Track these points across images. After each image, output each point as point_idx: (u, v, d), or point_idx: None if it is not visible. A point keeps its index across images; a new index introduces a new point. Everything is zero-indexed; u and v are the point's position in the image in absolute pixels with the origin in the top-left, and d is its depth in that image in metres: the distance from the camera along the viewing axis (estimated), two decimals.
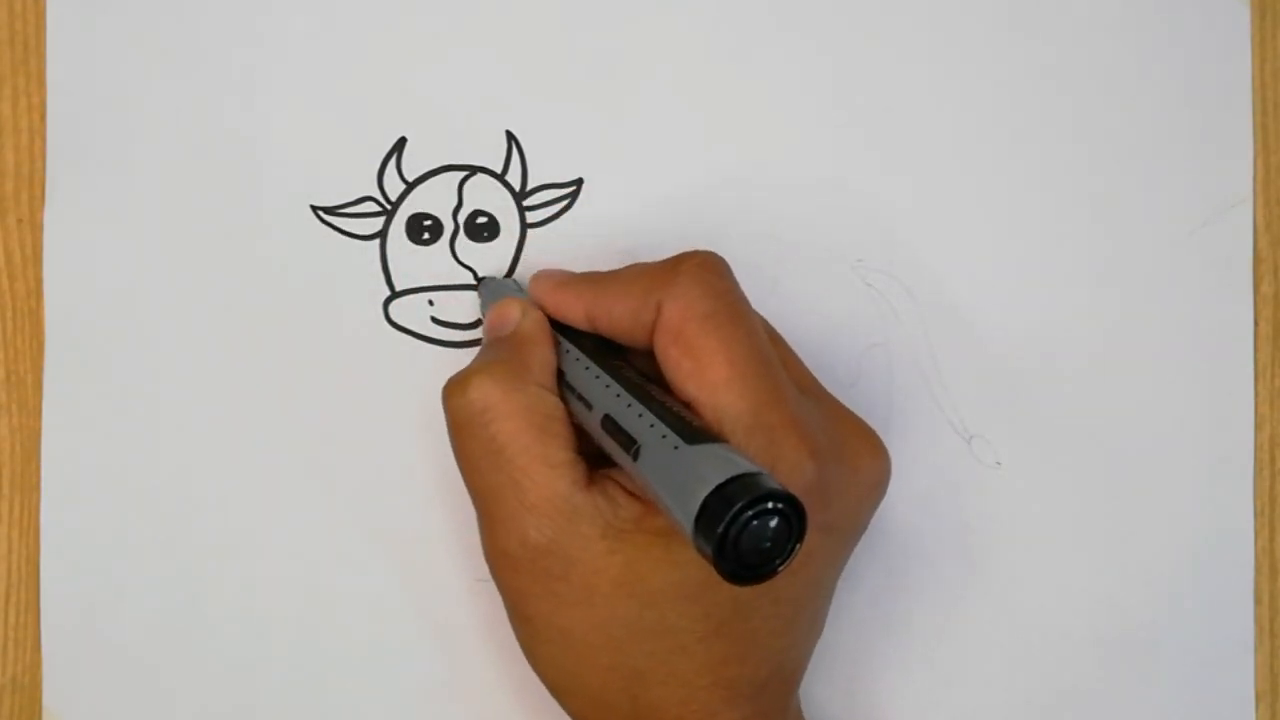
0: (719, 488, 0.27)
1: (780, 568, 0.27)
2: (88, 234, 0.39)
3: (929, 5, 0.40)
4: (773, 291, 0.39)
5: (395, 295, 0.39)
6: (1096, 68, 0.40)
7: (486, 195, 0.39)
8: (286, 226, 0.39)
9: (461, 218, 0.39)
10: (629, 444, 0.31)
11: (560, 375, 0.35)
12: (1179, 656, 0.40)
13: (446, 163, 0.39)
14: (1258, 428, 0.40)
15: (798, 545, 0.27)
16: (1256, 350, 0.40)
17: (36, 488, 0.39)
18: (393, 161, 0.39)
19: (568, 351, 0.35)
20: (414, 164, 0.39)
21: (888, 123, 0.40)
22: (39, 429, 0.39)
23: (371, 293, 0.39)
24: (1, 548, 0.39)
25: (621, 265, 0.35)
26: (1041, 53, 0.40)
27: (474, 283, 0.39)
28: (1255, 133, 0.40)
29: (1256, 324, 0.40)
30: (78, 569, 0.39)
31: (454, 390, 0.33)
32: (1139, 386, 0.40)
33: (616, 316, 0.34)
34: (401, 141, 0.39)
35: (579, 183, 0.40)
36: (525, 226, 0.39)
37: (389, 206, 0.39)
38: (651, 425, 0.30)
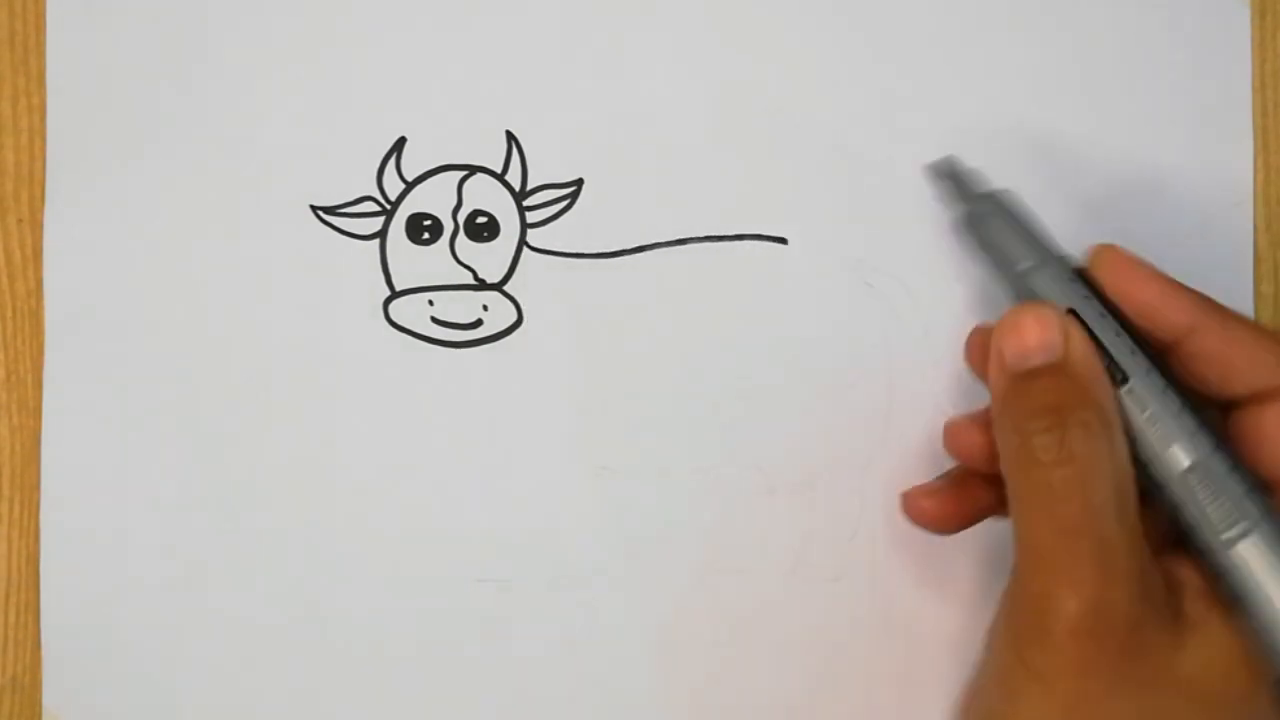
0: None
1: None
2: (88, 234, 0.39)
3: (930, 6, 0.40)
4: (773, 292, 0.39)
5: (395, 295, 0.39)
6: (1096, 68, 0.40)
7: (486, 195, 0.39)
8: (286, 226, 0.39)
9: (461, 217, 0.39)
10: (1229, 520, 0.28)
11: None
12: None
13: (446, 162, 0.39)
14: None
15: None
16: None
17: (36, 488, 0.39)
18: (392, 161, 0.39)
19: (1126, 386, 0.30)
20: (414, 164, 0.39)
21: (888, 122, 0.40)
22: (39, 429, 0.39)
23: (371, 293, 0.39)
24: (1, 548, 0.39)
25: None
26: (1041, 53, 0.40)
27: (474, 283, 0.39)
28: (1255, 133, 0.40)
29: None
30: (78, 569, 0.39)
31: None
32: None
33: (1213, 357, 0.30)
34: (401, 141, 0.39)
35: (579, 183, 0.40)
36: (525, 226, 0.39)
37: (389, 206, 0.39)
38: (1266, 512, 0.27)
